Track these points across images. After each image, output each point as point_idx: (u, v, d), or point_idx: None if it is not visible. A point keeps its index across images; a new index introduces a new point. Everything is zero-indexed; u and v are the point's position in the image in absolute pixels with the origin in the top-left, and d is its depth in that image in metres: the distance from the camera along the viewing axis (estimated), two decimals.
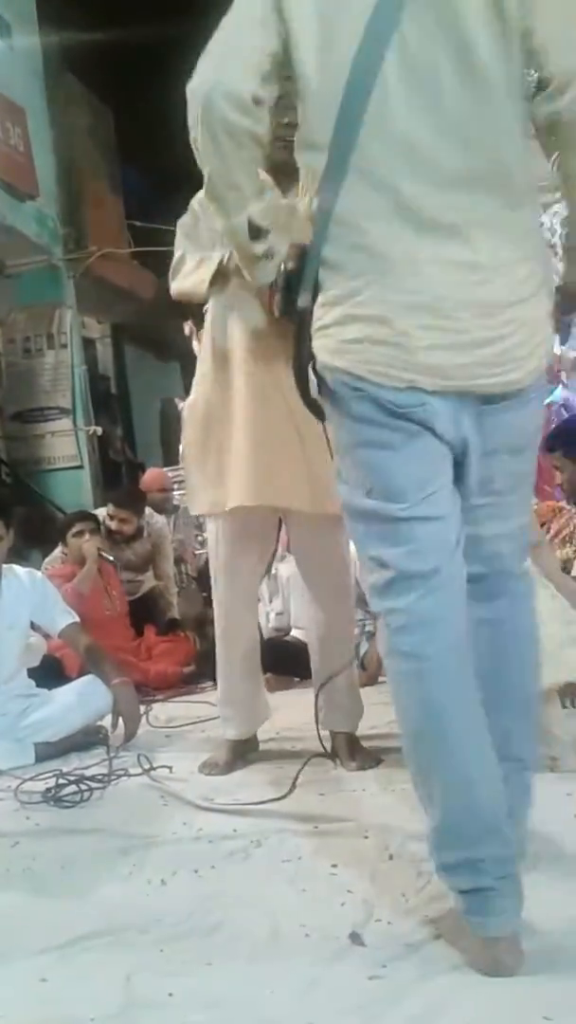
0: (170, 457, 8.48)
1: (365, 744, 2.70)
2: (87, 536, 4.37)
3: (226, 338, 2.52)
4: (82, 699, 3.13)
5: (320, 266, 1.52)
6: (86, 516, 4.69)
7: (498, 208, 1.48)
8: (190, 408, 2.70)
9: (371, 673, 3.98)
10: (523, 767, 1.58)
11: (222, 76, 1.47)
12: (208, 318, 2.60)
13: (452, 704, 1.47)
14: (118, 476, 9.44)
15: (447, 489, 1.54)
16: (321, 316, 1.53)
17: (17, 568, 3.32)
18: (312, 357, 1.55)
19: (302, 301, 1.55)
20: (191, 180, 1.98)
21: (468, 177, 1.46)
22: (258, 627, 2.92)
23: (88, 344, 9.81)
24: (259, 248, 1.66)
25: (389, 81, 1.43)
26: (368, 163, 1.46)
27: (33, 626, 3.38)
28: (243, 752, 2.78)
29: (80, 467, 8.83)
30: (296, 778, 2.43)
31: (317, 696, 2.60)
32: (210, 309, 2.59)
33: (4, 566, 3.20)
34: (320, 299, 1.53)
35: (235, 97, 1.46)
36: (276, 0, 1.46)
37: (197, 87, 1.49)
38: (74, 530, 4.43)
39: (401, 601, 1.49)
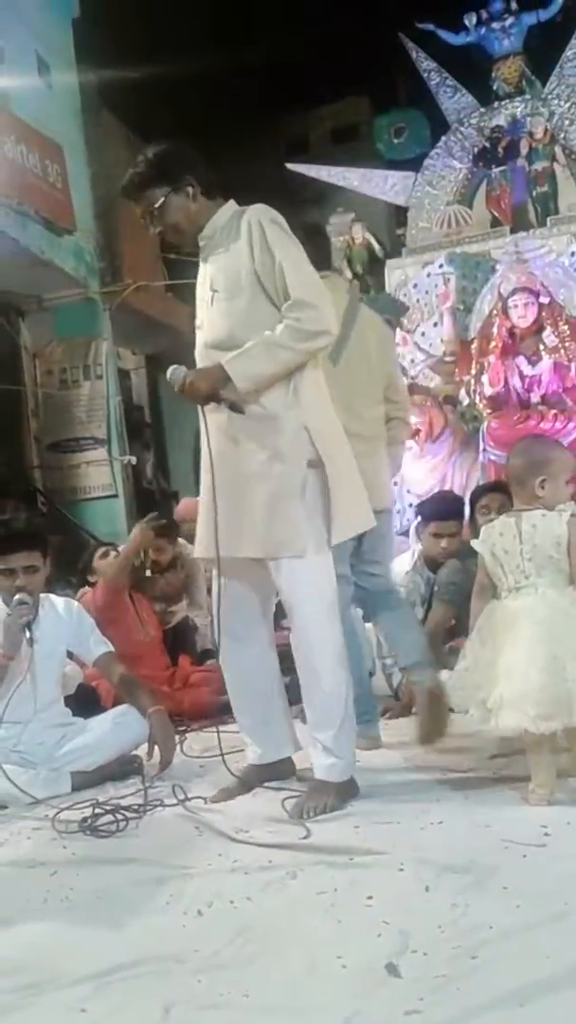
0: None
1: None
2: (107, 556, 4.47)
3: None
4: (117, 728, 3.15)
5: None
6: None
7: (378, 429, 3.30)
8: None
9: (405, 704, 3.96)
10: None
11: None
12: None
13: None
14: (152, 505, 9.52)
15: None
16: None
17: (54, 597, 3.36)
18: None
19: None
20: None
21: (370, 417, 3.23)
22: (268, 658, 2.88)
23: (123, 375, 9.94)
24: None
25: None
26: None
27: (68, 655, 3.42)
28: (261, 778, 2.83)
29: (115, 496, 8.94)
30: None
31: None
32: None
33: (41, 595, 3.24)
34: None
35: None
36: None
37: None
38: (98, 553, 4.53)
39: None
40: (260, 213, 2.58)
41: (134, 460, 9.03)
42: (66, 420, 8.91)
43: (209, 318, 2.65)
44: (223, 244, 2.62)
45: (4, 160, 7.04)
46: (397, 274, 8.93)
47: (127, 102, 9.11)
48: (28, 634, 3.02)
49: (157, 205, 2.62)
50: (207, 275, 2.68)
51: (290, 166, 9.91)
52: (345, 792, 2.61)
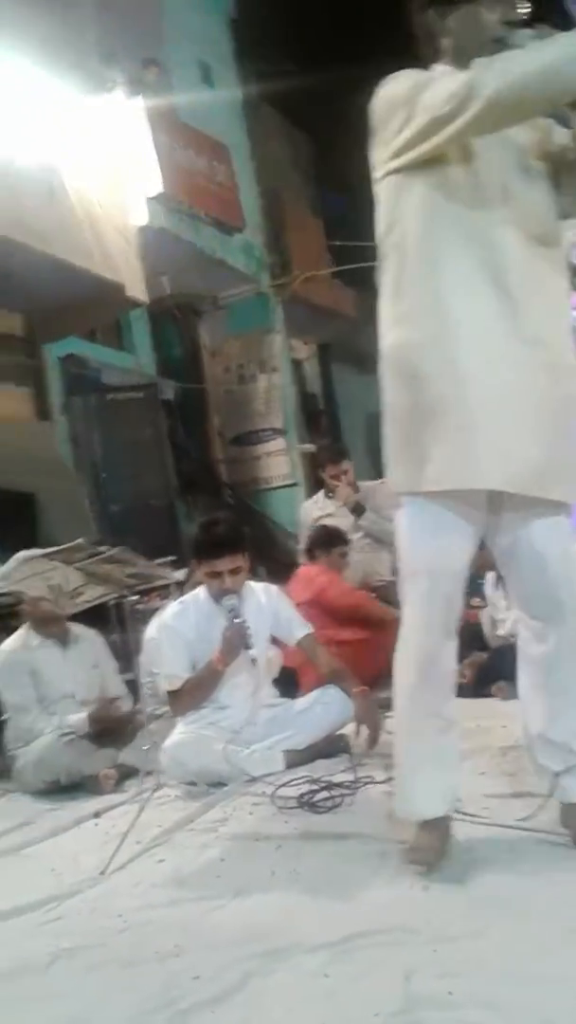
0: (378, 469, 8.57)
1: None
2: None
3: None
4: (324, 708, 3.23)
5: None
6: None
7: None
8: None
9: None
10: None
11: None
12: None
13: None
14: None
15: None
16: None
17: (253, 584, 3.46)
18: None
19: None
20: None
21: None
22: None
23: (296, 365, 10.08)
24: None
25: None
26: None
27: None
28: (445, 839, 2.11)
29: (294, 484, 9.10)
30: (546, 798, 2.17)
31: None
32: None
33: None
34: None
35: None
36: None
37: None
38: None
39: None
40: None
41: (314, 448, 9.16)
42: (246, 414, 9.16)
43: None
44: None
45: (175, 166, 7.27)
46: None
47: (287, 97, 9.19)
48: (249, 648, 3.10)
49: None
50: None
51: None
52: None
